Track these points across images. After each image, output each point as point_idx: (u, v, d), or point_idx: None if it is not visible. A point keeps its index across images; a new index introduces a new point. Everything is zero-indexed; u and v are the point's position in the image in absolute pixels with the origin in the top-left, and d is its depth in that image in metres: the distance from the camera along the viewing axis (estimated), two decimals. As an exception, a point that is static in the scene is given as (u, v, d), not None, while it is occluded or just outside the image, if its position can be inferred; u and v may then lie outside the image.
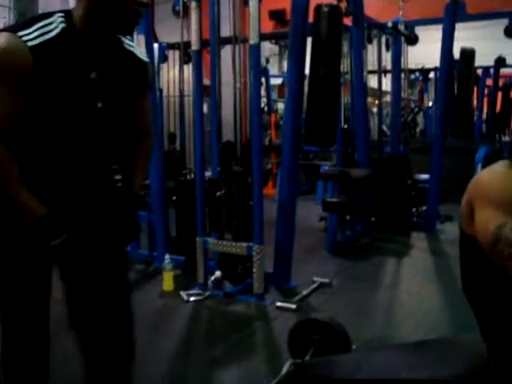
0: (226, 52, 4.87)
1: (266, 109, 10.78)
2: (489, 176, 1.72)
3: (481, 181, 1.72)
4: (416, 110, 13.07)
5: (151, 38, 4.87)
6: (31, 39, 1.64)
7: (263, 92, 10.67)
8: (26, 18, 1.91)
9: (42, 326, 1.94)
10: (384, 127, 9.51)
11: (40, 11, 6.48)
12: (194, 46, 4.17)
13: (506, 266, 1.65)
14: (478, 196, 1.70)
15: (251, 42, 3.94)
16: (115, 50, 1.86)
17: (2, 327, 1.89)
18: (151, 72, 2.09)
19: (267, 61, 11.48)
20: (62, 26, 1.72)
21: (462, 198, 1.80)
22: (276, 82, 12.14)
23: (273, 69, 12.79)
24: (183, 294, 4.18)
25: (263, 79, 10.51)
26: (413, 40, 7.40)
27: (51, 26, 1.70)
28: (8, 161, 1.69)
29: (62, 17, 1.73)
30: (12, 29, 1.69)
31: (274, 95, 12.48)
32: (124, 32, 1.83)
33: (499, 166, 1.73)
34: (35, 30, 1.66)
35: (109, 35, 1.80)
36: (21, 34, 1.64)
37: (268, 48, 12.74)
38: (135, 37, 4.92)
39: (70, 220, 1.82)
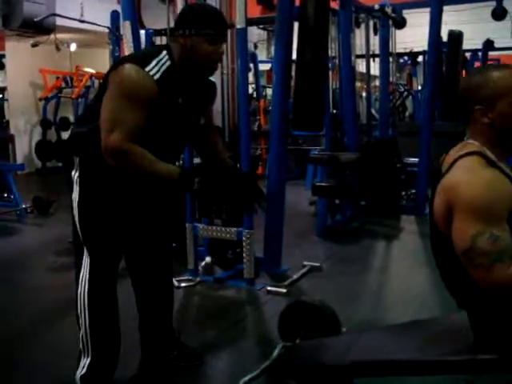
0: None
1: (254, 94, 10.76)
2: (470, 182, 1.73)
3: (461, 187, 1.73)
4: (405, 93, 13.08)
5: (137, 24, 4.82)
6: (155, 73, 2.27)
7: (252, 78, 10.65)
8: (141, 51, 2.87)
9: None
10: (373, 111, 9.51)
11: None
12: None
13: (473, 274, 1.72)
14: (459, 203, 1.73)
15: (237, 26, 3.93)
16: (199, 79, 2.51)
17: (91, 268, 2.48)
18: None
19: (255, 46, 11.46)
20: (168, 63, 2.34)
21: (434, 195, 1.84)
22: (265, 67, 12.12)
23: (261, 54, 12.74)
24: (174, 280, 4.16)
25: (252, 65, 10.47)
26: (400, 23, 7.40)
27: (163, 61, 2.32)
28: (142, 151, 2.25)
29: (167, 54, 2.36)
30: (136, 62, 2.28)
31: (263, 81, 12.45)
32: (204, 76, 2.52)
33: (476, 168, 1.76)
34: (155, 66, 2.29)
35: (195, 73, 2.44)
36: (147, 69, 2.27)
37: (256, 34, 12.69)
38: (121, 23, 4.88)
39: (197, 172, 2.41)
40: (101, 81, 9.62)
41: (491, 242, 1.66)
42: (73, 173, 2.48)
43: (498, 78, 1.80)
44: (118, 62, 2.48)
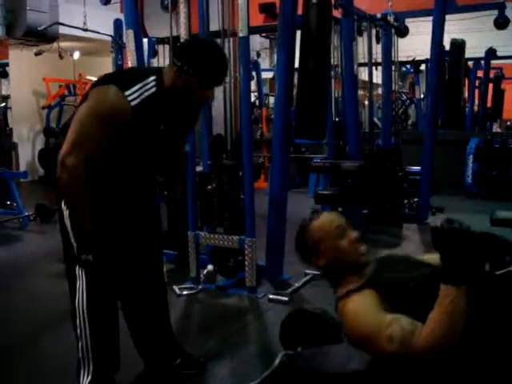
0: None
1: (257, 103, 10.78)
2: (355, 316, 2.00)
3: (354, 325, 2.00)
4: (407, 102, 13.09)
5: (140, 33, 4.84)
6: (134, 99, 2.24)
7: (254, 86, 10.67)
8: (131, 72, 2.71)
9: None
10: (375, 119, 9.53)
11: (28, 8, 6.42)
12: (183, 40, 4.16)
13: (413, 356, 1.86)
14: (361, 337, 1.96)
15: (240, 34, 3.94)
16: (185, 107, 2.48)
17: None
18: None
19: (258, 55, 11.49)
20: (153, 90, 2.31)
21: None
22: (267, 75, 12.14)
23: (264, 63, 12.78)
24: (176, 288, 4.18)
25: (254, 73, 10.50)
26: (403, 32, 7.41)
27: (147, 87, 2.29)
28: (84, 189, 2.26)
29: (154, 80, 2.33)
30: (118, 83, 2.27)
31: (266, 89, 12.47)
32: (193, 107, 2.55)
33: (354, 301, 2.05)
34: (136, 91, 2.26)
35: (181, 102, 2.42)
36: (127, 93, 2.24)
37: (259, 42, 12.74)
38: (124, 31, 4.90)
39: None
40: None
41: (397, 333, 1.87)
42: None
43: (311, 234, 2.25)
44: (103, 78, 2.45)
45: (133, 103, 2.25)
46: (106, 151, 2.32)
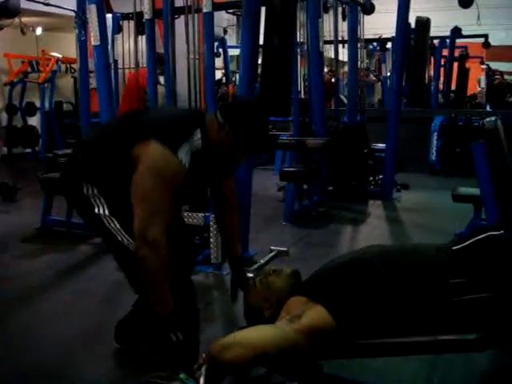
0: (183, 23, 4.79)
1: (224, 80, 10.73)
2: None
3: None
4: (374, 79, 13.16)
5: (103, 8, 4.75)
6: (186, 161, 2.26)
7: (221, 63, 10.60)
8: (173, 119, 2.49)
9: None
10: (342, 97, 9.56)
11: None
12: (147, 15, 4.12)
13: None
14: None
15: (204, 10, 3.91)
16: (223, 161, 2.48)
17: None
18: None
19: (225, 31, 11.37)
20: (199, 146, 2.32)
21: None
22: (235, 52, 12.05)
23: (231, 40, 12.68)
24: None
25: (221, 50, 10.42)
26: (369, 9, 7.42)
27: (194, 144, 2.30)
28: (168, 262, 2.22)
29: (200, 135, 2.33)
30: (167, 142, 2.25)
31: (233, 66, 12.41)
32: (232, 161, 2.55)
33: None
34: (187, 152, 2.26)
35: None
36: (180, 157, 2.24)
37: (226, 19, 12.60)
38: (87, 7, 4.81)
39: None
40: (68, 65, 9.47)
41: None
42: (85, 191, 2.42)
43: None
44: (144, 128, 2.37)
45: (186, 165, 2.27)
46: None
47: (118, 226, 2.41)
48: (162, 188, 2.23)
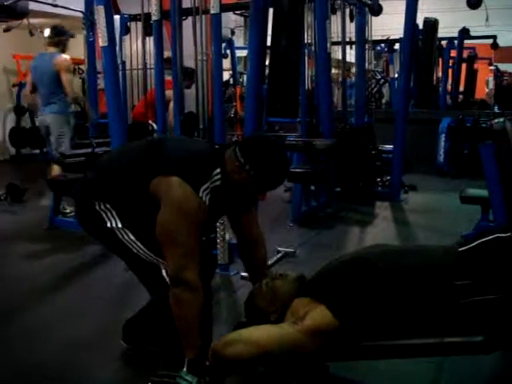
0: (190, 24, 4.80)
1: (231, 81, 10.73)
2: None
3: None
4: (381, 81, 13.13)
5: (111, 9, 4.77)
6: (207, 199, 2.31)
7: (229, 64, 10.60)
8: (194, 156, 2.49)
9: None
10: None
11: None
12: (154, 16, 4.12)
13: None
14: None
15: (212, 11, 3.91)
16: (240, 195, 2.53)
17: None
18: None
19: (232, 33, 11.38)
20: (218, 183, 2.37)
21: None
22: (242, 54, 12.06)
23: (238, 41, 12.70)
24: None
25: (228, 51, 10.42)
26: (376, 10, 7.40)
27: (215, 184, 2.35)
28: (202, 306, 2.28)
29: (219, 174, 2.37)
30: (189, 180, 2.29)
31: (241, 67, 12.41)
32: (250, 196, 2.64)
33: None
34: (207, 190, 2.32)
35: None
36: (201, 195, 2.30)
37: (233, 20, 12.62)
38: (95, 8, 4.83)
39: None
40: (76, 66, 9.36)
41: None
42: (97, 207, 2.47)
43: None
44: (165, 163, 2.39)
45: (207, 202, 2.32)
46: None
47: (132, 237, 2.45)
48: (190, 229, 2.28)
